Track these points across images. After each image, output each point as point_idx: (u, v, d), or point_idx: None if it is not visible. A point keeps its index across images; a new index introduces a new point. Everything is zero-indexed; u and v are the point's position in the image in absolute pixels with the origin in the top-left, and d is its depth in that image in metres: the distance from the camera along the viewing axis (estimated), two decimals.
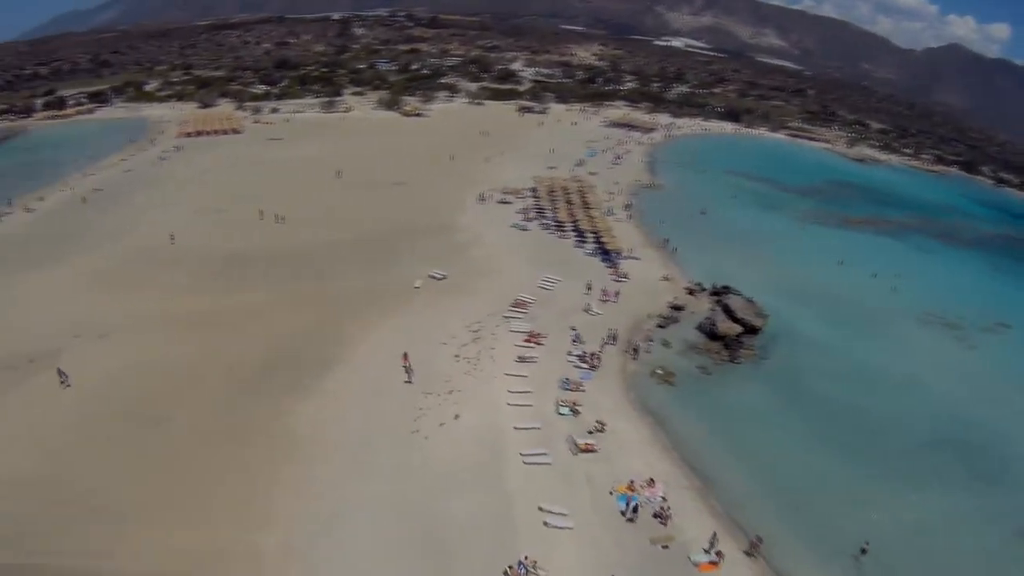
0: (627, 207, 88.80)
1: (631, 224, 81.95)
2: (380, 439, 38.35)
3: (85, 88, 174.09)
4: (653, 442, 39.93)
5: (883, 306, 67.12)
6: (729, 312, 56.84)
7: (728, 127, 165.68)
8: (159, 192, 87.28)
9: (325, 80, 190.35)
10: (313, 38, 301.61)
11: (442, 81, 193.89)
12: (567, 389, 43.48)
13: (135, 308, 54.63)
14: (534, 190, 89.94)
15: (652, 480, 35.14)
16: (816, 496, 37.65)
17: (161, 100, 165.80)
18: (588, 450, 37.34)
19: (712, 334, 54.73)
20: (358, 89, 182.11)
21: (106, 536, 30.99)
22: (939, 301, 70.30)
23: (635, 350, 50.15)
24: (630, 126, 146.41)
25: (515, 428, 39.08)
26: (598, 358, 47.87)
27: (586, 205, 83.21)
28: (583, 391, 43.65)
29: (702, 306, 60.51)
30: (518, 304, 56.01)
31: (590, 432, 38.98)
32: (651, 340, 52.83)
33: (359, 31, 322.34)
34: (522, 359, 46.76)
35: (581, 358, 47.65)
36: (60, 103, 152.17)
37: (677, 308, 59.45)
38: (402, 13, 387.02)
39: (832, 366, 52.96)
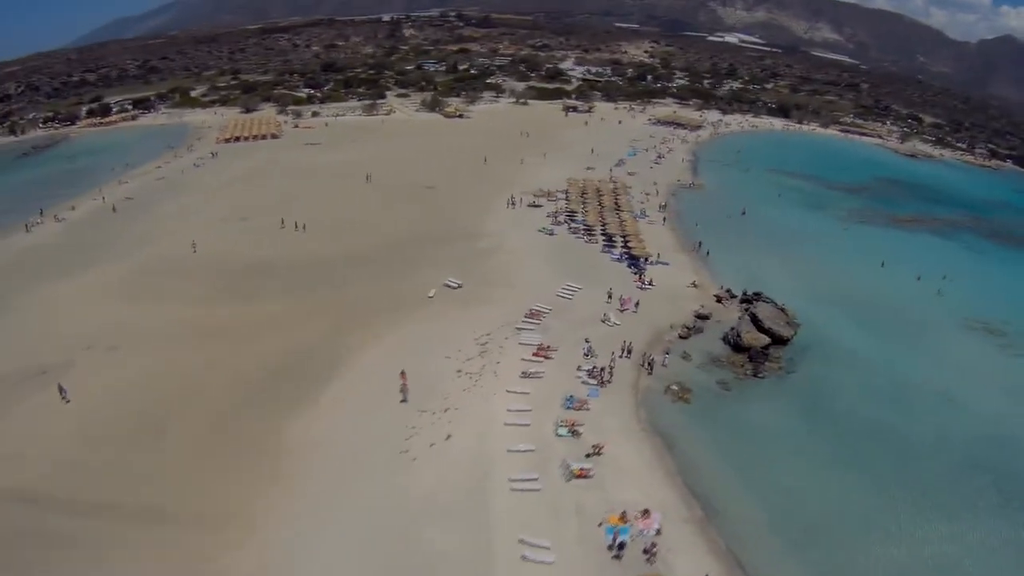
0: (662, 208, 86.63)
1: (665, 227, 79.97)
2: (367, 458, 37.96)
3: (131, 95, 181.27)
4: (657, 467, 38.18)
5: (925, 311, 63.56)
6: (756, 321, 54.50)
7: (777, 123, 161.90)
8: (189, 200, 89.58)
9: (370, 82, 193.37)
10: (363, 40, 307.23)
11: (489, 81, 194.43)
12: (570, 408, 42.18)
13: (149, 319, 55.96)
14: (566, 192, 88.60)
15: (647, 511, 33.48)
16: (833, 529, 35.29)
17: (204, 106, 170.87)
18: (582, 476, 35.96)
19: (737, 346, 52.48)
20: (402, 91, 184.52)
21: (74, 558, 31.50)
22: (986, 305, 66.19)
23: (650, 364, 48.41)
24: (676, 124, 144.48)
25: (508, 451, 38.02)
26: (609, 373, 46.38)
27: (617, 207, 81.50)
28: (588, 409, 42.23)
29: (730, 315, 58.18)
30: (532, 314, 54.96)
31: (587, 455, 37.61)
32: (669, 352, 51.00)
33: (409, 32, 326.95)
34: (526, 375, 45.64)
35: (590, 373, 46.25)
36: (104, 110, 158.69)
37: (702, 317, 57.32)
38: (453, 13, 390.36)
39: (862, 380, 50.09)
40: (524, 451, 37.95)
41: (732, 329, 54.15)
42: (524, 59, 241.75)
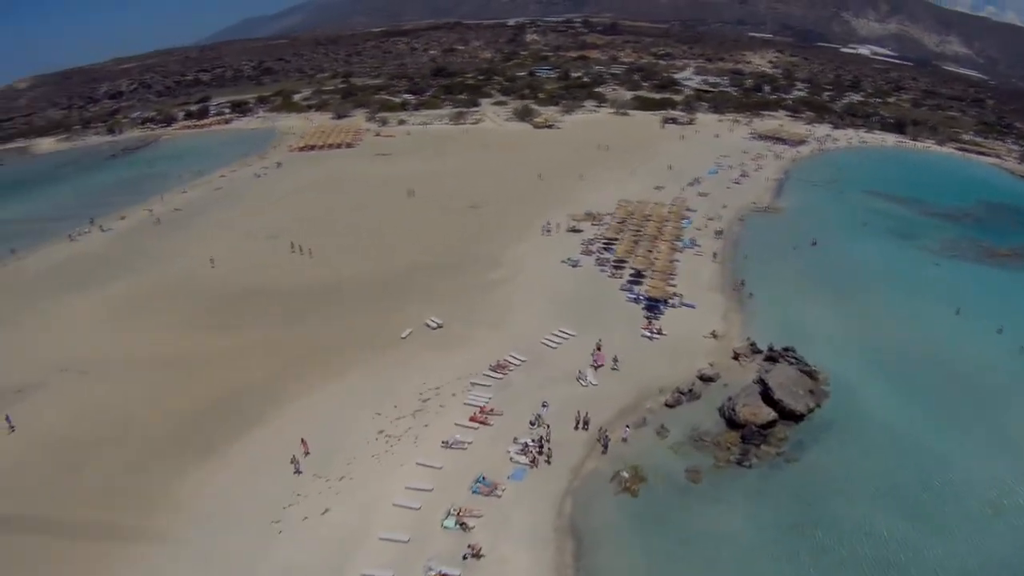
0: (719, 235, 78.91)
1: (712, 259, 72.22)
2: (242, 523, 36.71)
3: (241, 96, 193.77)
4: None
5: (999, 377, 51.70)
6: (766, 390, 47.10)
7: (890, 139, 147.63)
8: (232, 214, 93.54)
9: (474, 89, 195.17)
10: (483, 44, 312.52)
11: (597, 90, 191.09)
12: (476, 492, 37.91)
13: (129, 344, 58.82)
14: (613, 216, 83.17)
15: None
16: None
17: (300, 110, 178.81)
18: None
19: (732, 421, 45.53)
20: (502, 98, 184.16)
21: None
22: None
23: (606, 441, 42.84)
24: (777, 139, 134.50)
25: (379, 538, 34.68)
26: (547, 450, 41.39)
27: (660, 236, 75.05)
28: (498, 496, 37.77)
29: (745, 376, 50.69)
30: (499, 366, 50.95)
31: (464, 558, 33.33)
32: (643, 424, 44.96)
33: (531, 37, 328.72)
34: (448, 444, 41.84)
35: (524, 449, 41.61)
36: (201, 113, 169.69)
37: (706, 379, 50.46)
38: (579, 19, 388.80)
39: (885, 477, 40.83)
40: (395, 541, 34.38)
41: (729, 399, 47.09)
42: (640, 68, 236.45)
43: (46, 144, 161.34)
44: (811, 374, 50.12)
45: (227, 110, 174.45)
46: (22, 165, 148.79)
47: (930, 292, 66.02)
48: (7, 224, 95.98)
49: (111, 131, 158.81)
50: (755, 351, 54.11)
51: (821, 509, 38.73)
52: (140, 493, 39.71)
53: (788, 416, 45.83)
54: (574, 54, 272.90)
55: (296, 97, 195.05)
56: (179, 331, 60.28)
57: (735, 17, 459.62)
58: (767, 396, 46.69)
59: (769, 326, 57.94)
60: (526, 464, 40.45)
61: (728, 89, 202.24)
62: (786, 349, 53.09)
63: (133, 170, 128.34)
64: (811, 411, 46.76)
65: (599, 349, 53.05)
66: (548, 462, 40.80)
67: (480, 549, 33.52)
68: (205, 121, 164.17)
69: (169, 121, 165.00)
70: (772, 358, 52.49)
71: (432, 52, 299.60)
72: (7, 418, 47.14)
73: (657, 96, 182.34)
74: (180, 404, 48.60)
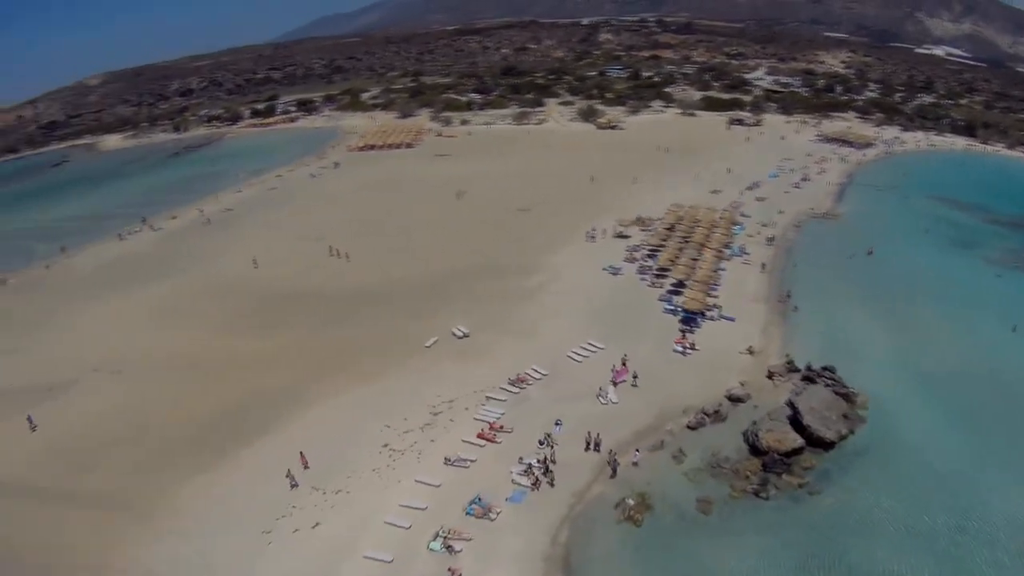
0: (770, 242, 75.97)
1: (760, 269, 69.32)
2: (236, 530, 37.79)
3: (306, 95, 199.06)
4: None
5: None
6: (795, 414, 44.91)
7: (960, 142, 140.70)
8: (280, 215, 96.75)
9: (542, 88, 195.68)
10: (556, 43, 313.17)
11: (665, 90, 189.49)
12: (470, 514, 37.56)
13: (164, 345, 61.77)
14: (662, 221, 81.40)
15: None
16: None
17: (366, 109, 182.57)
18: None
19: (754, 447, 43.64)
20: (569, 98, 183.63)
21: None
22: None
23: (614, 464, 41.69)
24: (843, 141, 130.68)
25: (364, 556, 34.85)
26: (551, 469, 40.68)
27: (707, 244, 72.81)
28: (491, 519, 37.29)
29: (777, 397, 48.36)
30: (519, 380, 50.48)
31: None
32: (654, 448, 43.51)
33: (604, 37, 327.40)
34: (450, 461, 41.70)
35: (527, 470, 40.99)
36: (268, 111, 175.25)
37: (735, 399, 48.49)
38: (652, 19, 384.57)
39: (920, 516, 37.69)
40: (379, 560, 34.50)
41: (753, 424, 45.09)
42: (712, 68, 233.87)
43: (112, 141, 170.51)
44: (848, 397, 47.53)
45: (293, 108, 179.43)
46: (87, 163, 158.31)
47: (988, 307, 61.32)
48: (64, 222, 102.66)
49: (177, 129, 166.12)
50: (791, 370, 51.69)
51: (840, 548, 36.22)
52: (142, 495, 41.53)
53: (817, 443, 43.46)
54: (646, 54, 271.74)
55: (364, 96, 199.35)
56: (213, 333, 62.81)
57: (810, 16, 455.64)
58: (796, 421, 44.54)
59: (811, 342, 55.36)
60: (527, 486, 39.86)
61: (799, 89, 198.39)
62: (825, 368, 50.53)
63: (193, 168, 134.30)
64: (843, 438, 44.22)
65: (624, 364, 51.86)
66: (552, 484, 40.08)
67: (460, 574, 33.21)
68: (270, 120, 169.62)
69: (235, 119, 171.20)
70: (809, 378, 49.96)
71: (504, 51, 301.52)
72: (29, 418, 50.12)
73: (726, 96, 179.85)
74: (200, 406, 50.69)
